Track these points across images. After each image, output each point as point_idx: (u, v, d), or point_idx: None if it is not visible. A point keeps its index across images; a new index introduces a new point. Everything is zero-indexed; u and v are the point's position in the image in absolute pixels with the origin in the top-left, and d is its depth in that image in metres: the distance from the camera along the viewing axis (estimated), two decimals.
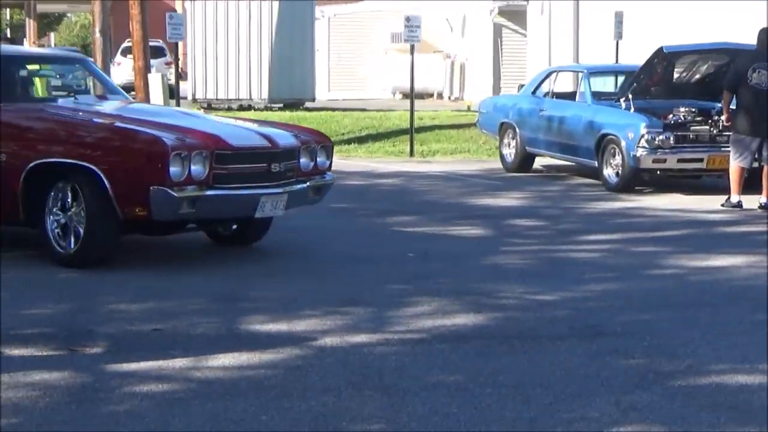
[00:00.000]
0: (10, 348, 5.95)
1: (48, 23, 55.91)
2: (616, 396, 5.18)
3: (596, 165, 14.29)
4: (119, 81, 21.64)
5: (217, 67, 29.35)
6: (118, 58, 27.59)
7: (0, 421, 3.43)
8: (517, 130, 16.42)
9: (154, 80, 24.38)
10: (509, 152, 16.92)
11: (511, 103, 17.43)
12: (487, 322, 6.71)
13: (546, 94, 16.56)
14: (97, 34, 17.91)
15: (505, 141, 16.90)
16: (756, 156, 11.77)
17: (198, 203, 6.78)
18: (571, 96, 16.50)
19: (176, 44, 21.67)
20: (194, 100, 28.30)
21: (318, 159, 7.96)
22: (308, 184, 7.77)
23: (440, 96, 35.66)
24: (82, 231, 6.90)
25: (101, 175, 6.68)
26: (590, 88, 15.66)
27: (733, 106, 12.64)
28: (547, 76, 17.62)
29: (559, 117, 15.72)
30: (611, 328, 6.67)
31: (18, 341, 6.04)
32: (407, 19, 19.96)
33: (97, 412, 5.18)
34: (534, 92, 16.82)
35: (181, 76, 22.19)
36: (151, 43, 24.06)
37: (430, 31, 31.43)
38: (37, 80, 9.73)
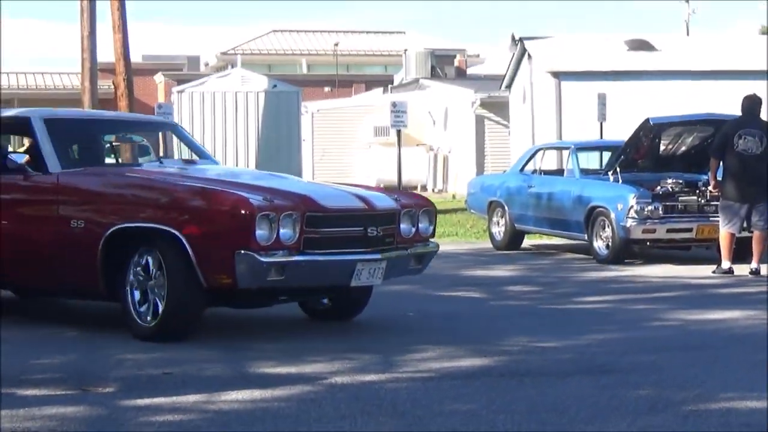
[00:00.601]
0: (22, 389, 6.17)
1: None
2: (629, 420, 5.37)
3: (586, 238, 14.71)
4: None
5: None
6: None
7: None
8: (506, 208, 16.92)
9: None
10: (498, 230, 17.34)
11: (499, 181, 17.94)
12: (494, 363, 6.82)
13: (533, 172, 17.09)
14: None
15: (494, 219, 17.34)
16: (745, 223, 12.14)
17: (287, 269, 6.37)
18: (558, 173, 17.04)
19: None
20: None
21: (420, 225, 7.42)
22: (409, 251, 7.26)
23: (424, 188, 36.39)
24: (162, 303, 6.44)
25: (182, 239, 6.31)
26: (578, 163, 16.12)
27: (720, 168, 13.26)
28: (534, 153, 18.40)
29: (548, 193, 16.11)
30: (618, 366, 6.81)
31: (30, 384, 6.27)
32: (393, 104, 19.88)
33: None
34: (521, 170, 17.34)
35: None
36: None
37: (414, 125, 32.88)
38: (124, 144, 9.69)
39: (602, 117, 19.46)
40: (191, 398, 5.99)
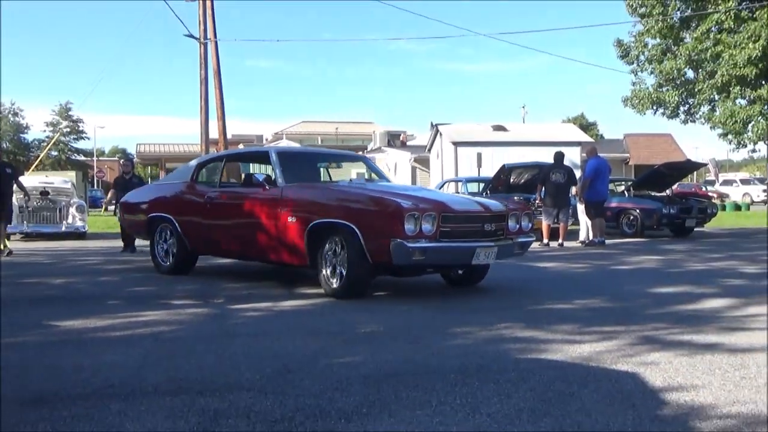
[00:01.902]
0: (172, 300, 6.33)
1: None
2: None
3: None
4: None
5: None
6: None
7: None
8: None
9: None
10: None
11: None
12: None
13: None
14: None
15: None
16: (555, 219, 12.97)
17: (427, 252, 6.00)
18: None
19: (244, 174, 19.40)
20: None
21: (522, 222, 6.89)
22: (514, 240, 6.78)
23: None
24: (344, 273, 6.36)
25: (357, 231, 6.17)
26: (467, 188, 17.17)
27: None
28: (444, 184, 19.56)
29: None
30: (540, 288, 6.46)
31: (176, 298, 6.33)
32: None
33: (225, 321, 5.64)
34: None
35: None
36: None
37: None
38: (329, 170, 9.24)
39: (479, 165, 19.53)
40: (263, 305, 5.98)
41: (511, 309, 6.07)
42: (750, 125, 24.08)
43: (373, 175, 8.67)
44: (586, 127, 57.22)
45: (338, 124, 56.03)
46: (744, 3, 23.76)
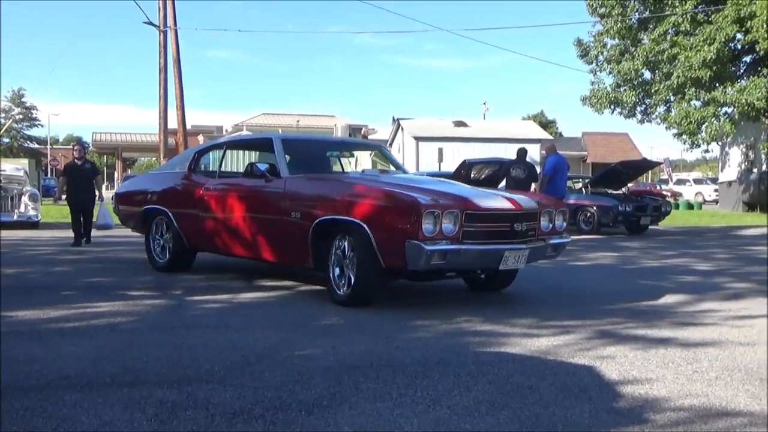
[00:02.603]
0: (130, 291, 6.22)
1: (128, 164, 54.34)
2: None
3: None
4: None
5: None
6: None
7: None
8: None
9: None
10: None
11: None
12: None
13: None
14: (162, 161, 17.57)
15: None
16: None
17: (448, 256, 5.21)
18: None
19: (204, 165, 19.28)
20: None
21: (556, 222, 6.05)
22: (547, 242, 5.96)
23: None
24: (353, 277, 5.61)
25: (367, 229, 5.38)
26: None
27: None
28: None
29: None
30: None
31: (133, 290, 6.26)
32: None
33: (184, 312, 5.60)
34: None
35: None
36: None
37: None
38: (340, 159, 8.34)
39: (440, 160, 19.59)
40: (223, 296, 5.93)
41: (471, 303, 6.10)
42: (704, 126, 24.65)
43: (390, 166, 7.72)
44: (546, 124, 58.01)
45: (299, 116, 55.64)
46: (700, 6, 24.30)
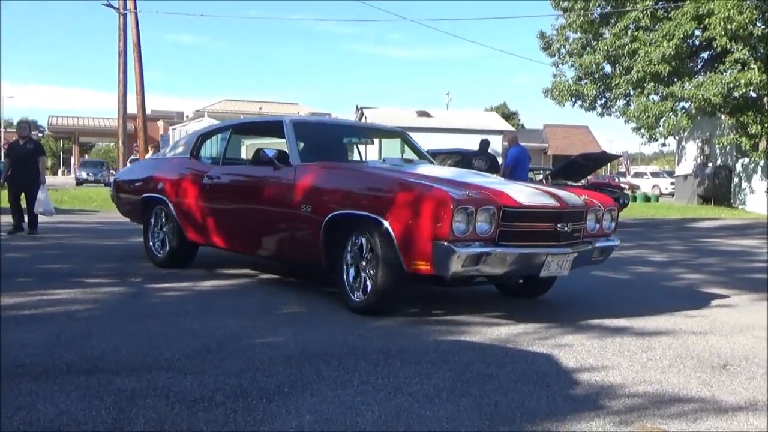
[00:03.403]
0: (88, 279, 6.07)
1: (85, 149, 53.29)
2: None
3: None
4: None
5: None
6: (129, 164, 25.41)
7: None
8: None
9: None
10: None
11: None
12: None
13: None
14: (121, 147, 17.02)
15: None
16: None
17: (481, 260, 4.47)
18: None
19: (164, 150, 19.12)
20: None
21: (604, 222, 5.27)
22: (594, 245, 5.18)
23: None
24: (371, 281, 4.87)
25: (388, 227, 4.62)
26: None
27: None
28: None
29: None
30: None
31: (91, 277, 6.13)
32: None
33: (143, 300, 5.52)
34: None
35: None
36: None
37: None
38: (358, 147, 7.50)
39: (402, 151, 19.62)
40: (183, 284, 5.84)
41: (431, 293, 5.99)
42: (662, 120, 25.13)
43: (414, 156, 6.89)
44: (508, 116, 58.48)
45: (262, 103, 55.18)
46: (660, 2, 24.69)
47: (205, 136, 7.34)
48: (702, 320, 5.22)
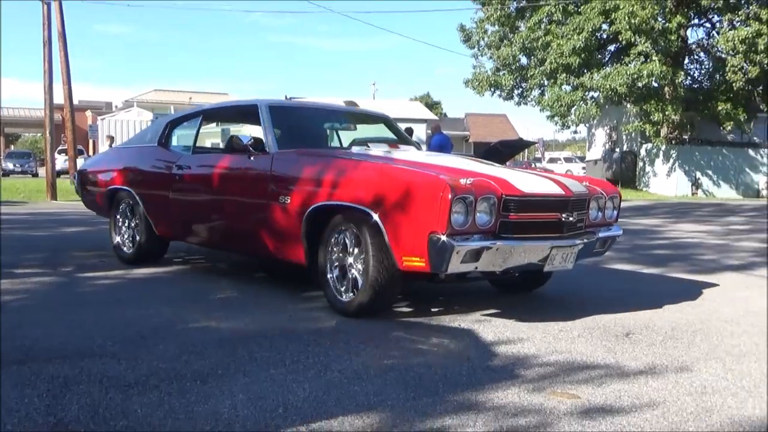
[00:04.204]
0: (18, 269, 5.75)
1: (11, 140, 51.08)
2: None
3: None
4: (58, 167, 21.16)
5: None
6: (57, 156, 24.86)
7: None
8: None
9: (80, 163, 21.42)
10: None
11: None
12: None
13: None
14: (48, 137, 16.27)
15: None
16: None
17: (482, 255, 3.87)
18: None
19: (93, 141, 18.18)
20: None
21: (606, 210, 4.69)
22: (598, 235, 4.59)
23: None
24: (360, 279, 4.21)
25: (378, 220, 3.98)
26: None
27: None
28: None
29: None
30: None
31: (22, 267, 5.69)
32: (223, 131, 18.69)
33: (75, 289, 5.36)
34: None
35: None
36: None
37: None
38: (337, 132, 6.66)
39: (331, 139, 19.71)
40: (115, 272, 5.69)
41: None
42: (573, 109, 25.92)
43: (400, 142, 6.27)
44: (432, 105, 59.18)
45: (192, 93, 54.04)
46: None
47: (173, 123, 6.58)
48: (608, 294, 5.46)
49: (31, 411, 2.66)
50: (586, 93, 25.03)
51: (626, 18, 22.63)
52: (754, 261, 7.49)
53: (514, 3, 26.32)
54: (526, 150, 37.24)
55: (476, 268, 4.08)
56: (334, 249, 4.51)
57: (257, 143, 5.23)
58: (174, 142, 6.71)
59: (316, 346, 3.64)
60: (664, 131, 26.06)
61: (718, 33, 24.86)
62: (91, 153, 23.30)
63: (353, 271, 4.40)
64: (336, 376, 3.14)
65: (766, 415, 2.86)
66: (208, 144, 12.91)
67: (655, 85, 24.57)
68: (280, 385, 3.01)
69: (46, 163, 17.50)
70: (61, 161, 29.16)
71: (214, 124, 11.25)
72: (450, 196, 3.81)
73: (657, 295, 5.37)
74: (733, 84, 23.80)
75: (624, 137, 28.38)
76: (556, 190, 4.36)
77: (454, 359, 3.47)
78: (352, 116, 7.03)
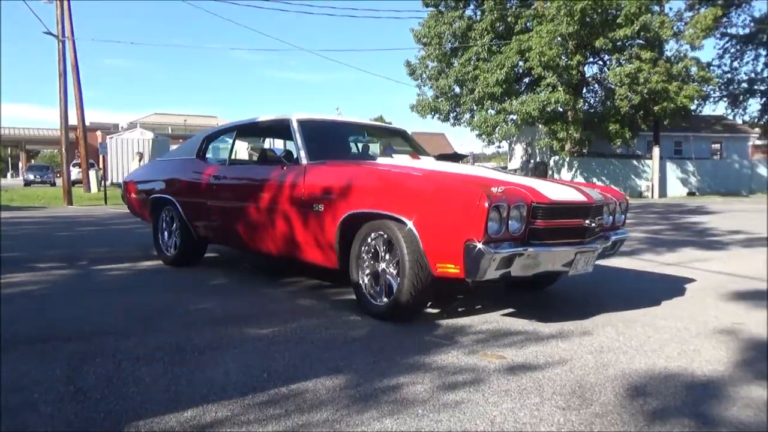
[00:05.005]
0: (38, 264, 5.46)
1: (31, 155, 49.58)
2: None
3: None
4: (72, 178, 21.17)
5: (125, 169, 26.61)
6: (72, 168, 24.34)
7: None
8: None
9: (92, 175, 23.65)
10: None
11: None
12: None
13: None
14: (64, 153, 15.84)
15: None
16: None
17: (514, 261, 3.31)
18: None
19: (104, 156, 17.71)
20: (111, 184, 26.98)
21: (616, 215, 4.19)
22: (612, 239, 4.06)
23: None
24: (394, 287, 3.64)
25: (412, 227, 3.46)
26: None
27: None
28: None
29: None
30: None
31: (41, 262, 5.45)
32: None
33: (90, 279, 5.20)
34: None
35: (105, 175, 20.27)
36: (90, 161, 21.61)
37: None
38: (361, 144, 5.95)
39: None
40: (124, 265, 5.51)
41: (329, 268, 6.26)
42: (497, 129, 26.37)
43: (420, 156, 5.51)
44: None
45: (186, 116, 52.98)
46: (494, 40, 25.75)
47: (210, 137, 6.03)
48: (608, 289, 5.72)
49: (54, 382, 2.60)
50: (507, 116, 25.47)
51: (537, 57, 23.12)
52: (640, 248, 7.47)
53: (449, 44, 26.66)
54: (460, 162, 37.76)
55: (510, 273, 3.45)
56: (367, 255, 3.91)
57: (289, 155, 4.78)
58: (209, 154, 6.23)
59: (293, 322, 3.62)
60: (567, 146, 26.76)
61: (608, 69, 25.66)
62: (100, 166, 22.88)
63: (387, 276, 3.79)
64: (310, 347, 3.12)
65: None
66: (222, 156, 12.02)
67: (560, 109, 25.17)
68: (263, 354, 2.98)
69: (62, 174, 16.98)
70: (75, 173, 28.24)
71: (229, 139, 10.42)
72: (487, 205, 3.27)
73: (571, 279, 5.30)
74: (621, 109, 24.10)
75: (537, 151, 28.97)
76: (579, 197, 3.85)
77: (407, 332, 3.45)
78: (373, 130, 6.36)
